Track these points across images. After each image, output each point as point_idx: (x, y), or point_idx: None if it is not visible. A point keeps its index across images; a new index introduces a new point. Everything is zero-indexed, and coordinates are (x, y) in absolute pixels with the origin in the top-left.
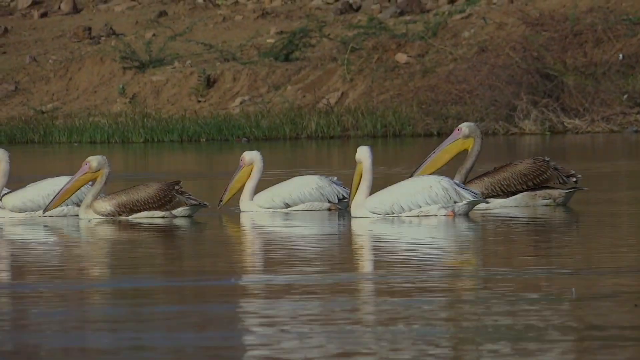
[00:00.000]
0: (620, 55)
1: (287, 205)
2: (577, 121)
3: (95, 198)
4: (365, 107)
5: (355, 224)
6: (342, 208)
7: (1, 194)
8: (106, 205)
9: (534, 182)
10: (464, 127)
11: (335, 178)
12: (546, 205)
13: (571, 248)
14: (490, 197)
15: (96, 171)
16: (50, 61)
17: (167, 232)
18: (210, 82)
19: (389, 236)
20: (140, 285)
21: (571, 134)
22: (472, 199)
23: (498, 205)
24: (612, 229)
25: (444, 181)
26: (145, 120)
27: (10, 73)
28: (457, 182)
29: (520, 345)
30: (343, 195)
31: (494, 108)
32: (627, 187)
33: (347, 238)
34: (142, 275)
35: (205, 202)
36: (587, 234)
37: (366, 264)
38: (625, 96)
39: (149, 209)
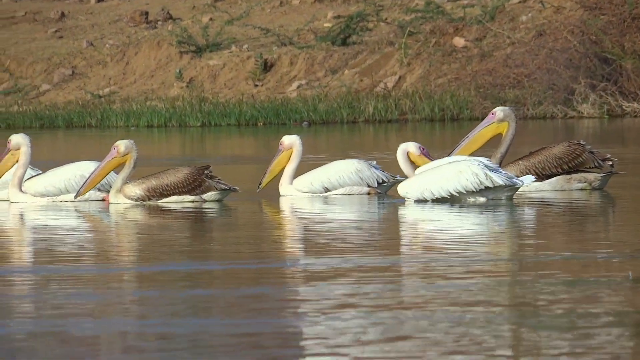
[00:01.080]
0: None
1: (326, 190)
2: (635, 104)
3: (125, 182)
4: (423, 90)
5: (394, 209)
6: (381, 192)
7: (24, 179)
8: (136, 189)
9: (569, 166)
10: (499, 111)
11: (375, 162)
12: (581, 189)
13: (609, 232)
14: None
15: (124, 155)
16: (107, 46)
17: (201, 216)
18: (267, 67)
19: (429, 221)
20: (188, 268)
21: (629, 118)
22: (502, 183)
23: (533, 189)
24: None
25: (474, 165)
26: (202, 104)
27: (68, 58)
28: (491, 165)
29: (577, 330)
30: (382, 180)
31: (552, 92)
32: None
33: (387, 222)
34: (186, 259)
35: (235, 187)
36: (624, 218)
37: (409, 248)
38: None
39: (179, 194)
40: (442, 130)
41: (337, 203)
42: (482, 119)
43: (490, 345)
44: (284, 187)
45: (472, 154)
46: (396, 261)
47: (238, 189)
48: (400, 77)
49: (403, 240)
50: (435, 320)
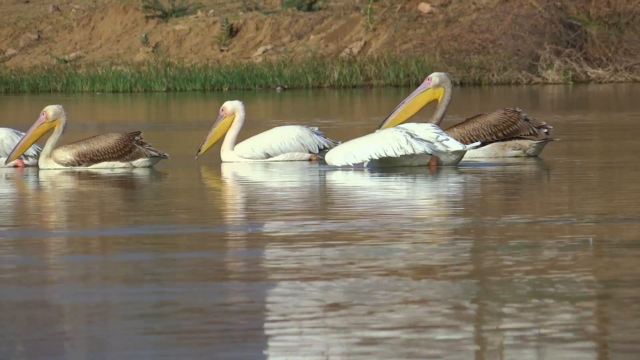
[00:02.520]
0: None
1: (268, 156)
2: (600, 71)
3: (54, 147)
4: (388, 56)
5: (335, 175)
6: (322, 158)
7: None
8: (66, 154)
9: (504, 133)
10: (434, 76)
11: (316, 128)
12: (516, 157)
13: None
14: None
15: (53, 121)
16: (73, 10)
17: (134, 181)
18: (232, 32)
19: (366, 188)
20: (130, 233)
21: (594, 84)
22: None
23: (467, 156)
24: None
25: (397, 132)
26: (167, 69)
27: (34, 22)
28: (430, 131)
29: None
30: (324, 146)
31: (517, 58)
32: (608, 138)
33: (327, 188)
34: (127, 224)
35: (165, 154)
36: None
37: (351, 213)
38: None
39: (109, 159)
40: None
41: (278, 169)
42: None
43: (446, 314)
44: (226, 153)
45: (409, 120)
46: (340, 227)
47: (168, 155)
48: (365, 43)
49: (345, 206)
50: (390, 288)
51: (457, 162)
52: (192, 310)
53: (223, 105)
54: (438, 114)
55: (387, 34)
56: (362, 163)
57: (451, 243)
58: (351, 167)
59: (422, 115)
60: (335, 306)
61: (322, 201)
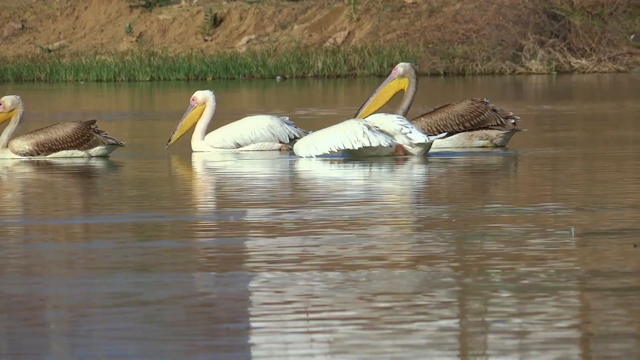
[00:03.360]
0: None
1: (238, 145)
2: (583, 61)
3: (11, 138)
4: (372, 46)
5: (305, 165)
6: (293, 148)
7: None
8: (24, 144)
9: (471, 123)
10: (399, 66)
11: (287, 118)
12: (483, 147)
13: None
14: None
15: (10, 111)
16: (57, 0)
17: (96, 171)
18: (216, 21)
19: (337, 178)
20: (114, 221)
21: (578, 74)
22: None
23: (434, 147)
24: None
25: (355, 124)
26: (151, 59)
27: (17, 11)
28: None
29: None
30: (295, 135)
31: (500, 48)
32: (577, 128)
33: (296, 178)
34: (114, 212)
35: (122, 142)
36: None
37: (323, 202)
38: (632, 36)
39: (67, 148)
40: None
41: (249, 159)
42: (431, 74)
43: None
44: (196, 142)
45: (379, 111)
46: (315, 215)
47: (124, 143)
48: (349, 33)
49: (316, 195)
50: (371, 277)
51: (424, 152)
52: (162, 302)
53: (194, 95)
54: (404, 104)
55: (370, 24)
56: (323, 155)
57: (414, 233)
58: (314, 158)
59: (392, 105)
60: (317, 296)
61: (290, 191)
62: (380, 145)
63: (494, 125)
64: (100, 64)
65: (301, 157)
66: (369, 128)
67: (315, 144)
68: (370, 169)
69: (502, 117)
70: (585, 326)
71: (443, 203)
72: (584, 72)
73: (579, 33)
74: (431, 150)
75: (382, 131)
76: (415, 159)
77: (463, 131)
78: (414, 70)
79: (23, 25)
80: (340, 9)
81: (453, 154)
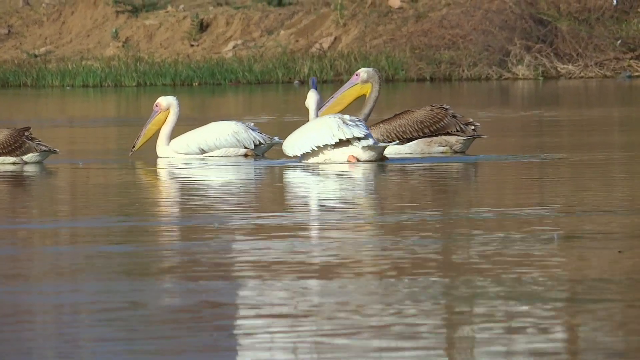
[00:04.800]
0: (614, 1)
1: (203, 151)
2: (570, 66)
3: None
4: (359, 51)
5: (269, 170)
6: (258, 154)
7: None
8: None
9: (431, 130)
10: (363, 72)
11: (252, 124)
12: (442, 153)
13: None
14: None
15: None
16: (43, 5)
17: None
18: (203, 27)
19: (300, 183)
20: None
21: (564, 79)
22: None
23: (393, 152)
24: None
25: (330, 119)
26: (138, 64)
27: (3, 17)
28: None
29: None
30: (259, 141)
31: (487, 53)
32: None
33: (261, 184)
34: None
35: (55, 149)
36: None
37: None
38: (619, 42)
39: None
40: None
41: (213, 164)
42: (418, 80)
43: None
44: (161, 148)
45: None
46: (286, 220)
47: (58, 150)
48: (335, 38)
49: (286, 200)
50: (360, 285)
51: (376, 158)
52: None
53: (157, 100)
54: (366, 109)
55: (357, 29)
56: (305, 154)
57: (374, 238)
58: (299, 157)
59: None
60: (295, 300)
61: (255, 197)
62: (353, 137)
63: (454, 132)
64: (86, 69)
65: (289, 156)
66: (344, 122)
67: (297, 144)
68: (324, 174)
69: (462, 124)
70: (567, 336)
71: (400, 208)
72: (570, 78)
73: (566, 38)
74: (390, 155)
75: (357, 124)
76: (371, 165)
77: (422, 137)
78: (378, 75)
79: (9, 31)
80: (327, 14)
81: (411, 159)
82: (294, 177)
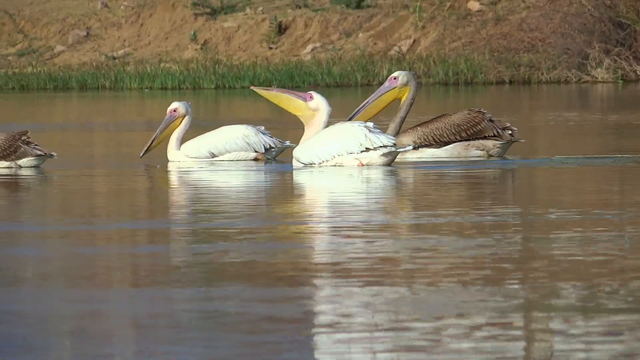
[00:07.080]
0: None
1: (213, 155)
2: None
3: None
4: (437, 54)
5: (280, 174)
6: (269, 158)
7: None
8: None
9: (468, 133)
10: (401, 75)
11: (263, 127)
12: (479, 157)
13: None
14: (423, 146)
15: None
16: (121, 7)
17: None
18: (281, 29)
19: (318, 186)
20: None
21: None
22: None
23: (430, 155)
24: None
25: (355, 127)
26: (216, 66)
27: (82, 19)
28: (373, 128)
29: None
30: (270, 145)
31: (566, 56)
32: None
33: (272, 188)
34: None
35: (52, 153)
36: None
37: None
38: None
39: None
40: (456, 94)
41: (224, 168)
42: (497, 83)
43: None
44: (172, 152)
45: (372, 119)
46: (296, 223)
47: (55, 155)
48: (414, 41)
49: (298, 206)
50: (379, 292)
51: (388, 163)
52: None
53: (173, 106)
54: (402, 112)
55: (436, 32)
56: (325, 163)
57: (407, 240)
58: (316, 165)
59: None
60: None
61: (265, 201)
62: (383, 145)
63: (491, 136)
64: (164, 71)
65: (302, 164)
66: (370, 130)
67: (315, 151)
68: (340, 176)
69: (500, 128)
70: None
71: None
72: None
73: None
74: (425, 159)
75: (382, 132)
76: (395, 168)
77: (459, 141)
78: (415, 78)
79: (88, 33)
80: (405, 17)
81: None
82: (306, 179)
